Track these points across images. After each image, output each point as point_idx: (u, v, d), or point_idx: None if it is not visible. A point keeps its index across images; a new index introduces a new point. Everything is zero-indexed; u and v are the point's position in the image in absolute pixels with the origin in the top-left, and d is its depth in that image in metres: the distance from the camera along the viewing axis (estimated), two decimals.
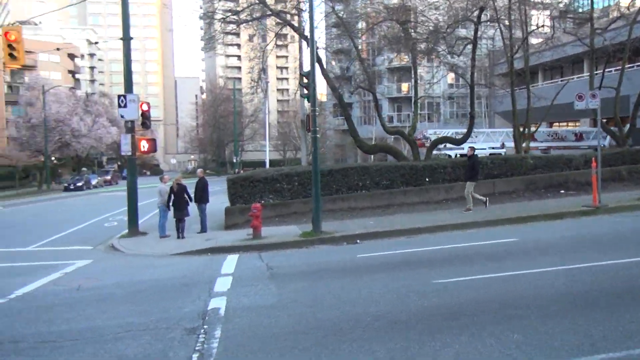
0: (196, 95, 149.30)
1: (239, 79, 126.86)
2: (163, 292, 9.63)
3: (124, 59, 19.50)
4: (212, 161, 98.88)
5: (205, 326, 7.21)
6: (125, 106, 18.72)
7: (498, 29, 23.83)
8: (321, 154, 72.03)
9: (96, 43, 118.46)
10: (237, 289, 9.43)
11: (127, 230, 19.17)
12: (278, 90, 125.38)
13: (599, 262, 9.24)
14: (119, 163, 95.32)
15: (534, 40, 30.16)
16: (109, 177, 66.05)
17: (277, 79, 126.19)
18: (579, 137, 38.95)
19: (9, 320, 8.35)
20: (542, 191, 20.62)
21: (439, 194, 20.19)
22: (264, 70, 23.42)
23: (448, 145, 34.53)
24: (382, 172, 20.15)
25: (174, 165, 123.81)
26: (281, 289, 9.22)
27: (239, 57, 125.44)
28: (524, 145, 24.47)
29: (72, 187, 54.07)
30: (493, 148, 35.92)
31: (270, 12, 20.66)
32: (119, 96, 19.13)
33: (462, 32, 25.46)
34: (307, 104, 16.62)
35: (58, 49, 56.01)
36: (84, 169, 73.23)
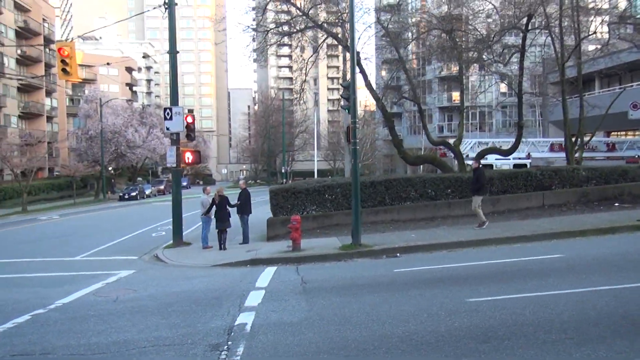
0: (248, 106, 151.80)
1: (291, 89, 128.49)
2: (194, 305, 9.65)
3: (170, 72, 19.94)
4: (263, 171, 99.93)
5: (229, 342, 7.16)
6: (170, 119, 19.07)
7: (549, 36, 23.03)
8: (369, 164, 72.17)
9: (147, 56, 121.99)
10: (267, 303, 9.36)
11: (172, 241, 19.48)
12: (329, 100, 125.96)
13: None
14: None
15: (590, 47, 29.06)
16: (162, 187, 67.56)
17: (328, 89, 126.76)
18: (612, 147, 36.89)
19: (44, 330, 8.53)
20: (595, 204, 19.74)
21: (486, 207, 19.49)
22: (307, 82, 23.39)
23: (471, 154, 33.69)
24: (425, 184, 19.77)
25: (225, 175, 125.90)
26: (311, 304, 9.09)
27: (290, 68, 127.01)
28: (576, 155, 23.56)
29: (126, 196, 55.65)
30: (519, 159, 34.00)
31: (313, 24, 20.76)
32: (165, 109, 19.52)
33: (511, 39, 24.82)
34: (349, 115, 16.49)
35: (108, 64, 57.83)
36: (139, 178, 75.38)
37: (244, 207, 18.41)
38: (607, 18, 23.84)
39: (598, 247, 13.13)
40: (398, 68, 24.09)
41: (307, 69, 22.28)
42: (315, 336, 7.23)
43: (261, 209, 24.04)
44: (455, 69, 45.12)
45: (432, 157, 24.29)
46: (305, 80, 23.00)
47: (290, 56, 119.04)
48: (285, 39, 22.59)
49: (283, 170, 58.72)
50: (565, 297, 8.32)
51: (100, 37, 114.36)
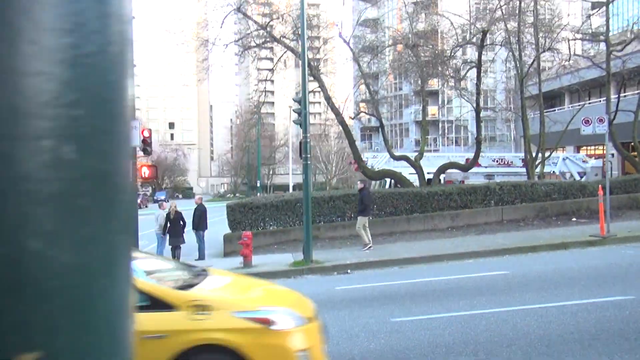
0: (231, 120, 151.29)
1: (272, 103, 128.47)
2: None
3: None
4: (243, 184, 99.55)
5: None
6: None
7: (510, 52, 23.16)
8: (346, 178, 71.90)
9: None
10: None
11: None
12: (311, 113, 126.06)
13: (573, 301, 8.59)
14: (153, 187, 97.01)
15: (554, 62, 29.28)
16: (138, 201, 66.83)
17: (310, 102, 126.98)
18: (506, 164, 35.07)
19: None
20: (553, 219, 19.76)
21: (444, 222, 19.56)
22: (265, 94, 23.37)
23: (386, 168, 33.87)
24: (385, 199, 19.68)
25: (203, 188, 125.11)
26: None
27: (272, 81, 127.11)
28: (537, 170, 23.62)
29: None
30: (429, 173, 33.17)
31: (271, 39, 20.65)
32: None
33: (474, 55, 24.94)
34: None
35: None
36: None
37: (199, 223, 18.15)
38: (568, 34, 24.06)
39: (546, 264, 13.05)
40: (357, 83, 24.02)
41: (265, 80, 22.30)
42: None
43: (225, 225, 23.75)
44: (432, 83, 45.51)
45: (392, 172, 24.20)
46: (264, 91, 22.93)
47: (272, 69, 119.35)
48: (240, 53, 22.47)
49: (258, 184, 58.39)
50: (490, 316, 8.18)
51: None
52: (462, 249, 15.67)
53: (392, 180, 31.73)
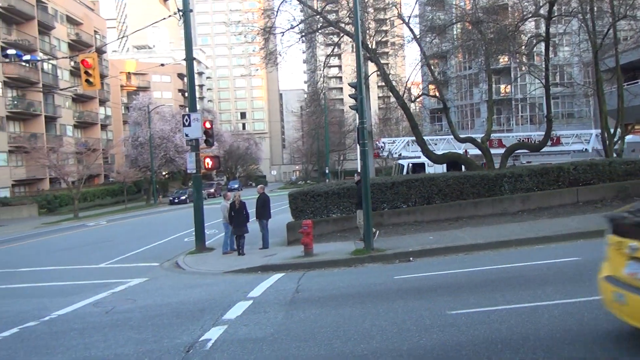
0: (300, 107, 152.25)
1: (340, 88, 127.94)
2: (176, 318, 9.43)
3: (187, 79, 19.92)
4: (314, 171, 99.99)
5: None
6: (189, 125, 19.03)
7: (584, 23, 21.59)
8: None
9: (199, 62, 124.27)
10: (245, 316, 9.02)
11: (195, 247, 19.47)
12: (379, 97, 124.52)
13: None
14: (228, 176, 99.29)
15: (630, 33, 27.12)
16: (212, 190, 68.42)
17: (379, 86, 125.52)
18: (556, 141, 32.47)
19: (19, 346, 8.47)
20: (634, 199, 18.38)
21: (514, 205, 18.64)
22: (324, 79, 23.08)
23: (404, 154, 32.47)
24: (450, 183, 18.96)
25: (274, 176, 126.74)
26: (288, 317, 8.69)
27: (339, 67, 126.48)
28: (616, 147, 22.05)
29: (176, 200, 56.71)
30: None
31: (327, 24, 20.29)
32: (183, 115, 19.53)
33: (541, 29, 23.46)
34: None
35: (162, 64, 58.68)
36: (190, 182, 76.72)
37: (262, 211, 18.18)
38: None
39: None
40: (422, 63, 23.18)
41: (324, 66, 21.99)
42: (272, 354, 6.84)
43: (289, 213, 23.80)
44: (504, 60, 43.70)
45: (457, 155, 23.31)
46: (323, 77, 22.64)
47: (339, 55, 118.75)
48: (298, 41, 22.24)
49: (327, 171, 58.28)
50: (555, 308, 7.59)
51: (154, 46, 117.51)
52: (531, 234, 14.87)
53: (409, 166, 30.99)
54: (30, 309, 11.46)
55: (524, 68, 28.64)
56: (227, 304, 10.05)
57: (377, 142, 35.16)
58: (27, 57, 53.84)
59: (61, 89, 56.91)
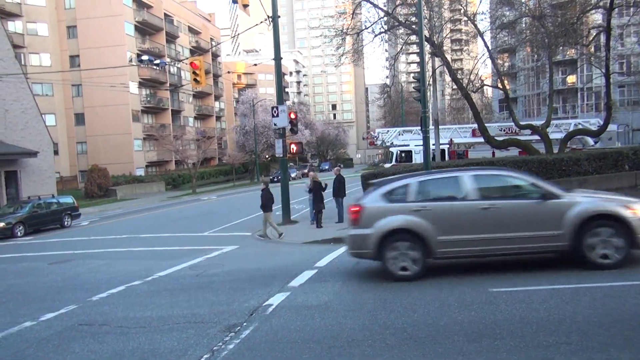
0: (383, 98, 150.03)
1: (419, 81, 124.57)
2: (249, 283, 9.31)
3: (275, 76, 19.79)
4: None
5: (244, 324, 6.68)
6: (277, 116, 18.96)
7: None
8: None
9: (297, 62, 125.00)
10: (308, 284, 8.74)
11: (281, 220, 19.48)
12: (454, 89, 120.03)
13: None
14: (320, 159, 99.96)
15: None
16: (306, 171, 68.93)
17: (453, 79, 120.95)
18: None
19: (122, 302, 8.68)
20: None
21: (572, 187, 17.03)
22: (396, 75, 22.11)
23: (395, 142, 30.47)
24: (508, 166, 17.60)
25: (359, 159, 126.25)
26: (344, 287, 8.32)
27: (418, 63, 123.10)
28: None
29: (275, 179, 57.53)
30: (441, 145, 27.21)
31: (397, 23, 19.36)
32: (272, 107, 19.46)
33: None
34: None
35: (255, 64, 59.39)
36: (290, 163, 77.89)
37: (338, 191, 17.86)
38: None
39: None
40: (484, 56, 21.65)
41: (394, 63, 21.08)
42: (321, 322, 6.49)
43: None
44: (571, 52, 40.38)
45: (517, 141, 21.64)
46: (394, 75, 21.67)
47: (417, 53, 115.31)
48: (372, 40, 21.45)
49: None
50: (597, 291, 6.70)
51: (260, 49, 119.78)
52: None
53: (398, 153, 29.47)
54: (139, 269, 11.84)
55: (590, 59, 26.21)
56: (295, 272, 9.82)
57: (372, 132, 34.45)
58: (157, 61, 56.65)
59: (180, 86, 59.26)
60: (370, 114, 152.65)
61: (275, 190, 18.87)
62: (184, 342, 6.14)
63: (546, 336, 5.25)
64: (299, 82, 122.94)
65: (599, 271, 7.67)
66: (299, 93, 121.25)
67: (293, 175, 63.25)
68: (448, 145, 30.68)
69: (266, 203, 16.55)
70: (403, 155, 31.73)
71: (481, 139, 25.91)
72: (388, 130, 35.24)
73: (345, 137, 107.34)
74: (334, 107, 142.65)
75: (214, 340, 6.12)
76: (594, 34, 19.34)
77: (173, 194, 46.62)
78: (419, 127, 34.67)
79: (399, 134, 33.73)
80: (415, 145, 31.76)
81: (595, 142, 28.84)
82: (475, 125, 30.94)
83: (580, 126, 29.27)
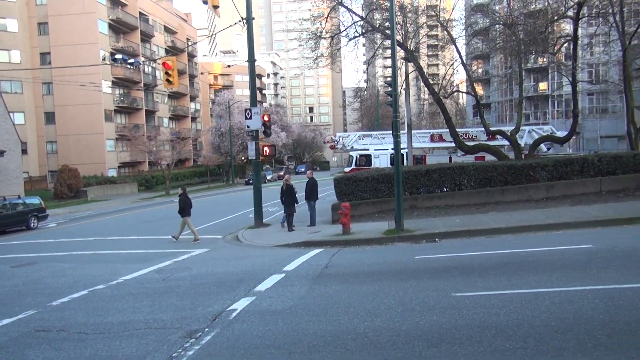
0: (360, 101, 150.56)
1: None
2: (216, 287, 9.21)
3: (249, 78, 19.68)
4: None
5: (206, 329, 6.60)
6: (250, 118, 18.84)
7: (614, 23, 19.68)
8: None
9: (274, 64, 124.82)
10: (274, 288, 8.69)
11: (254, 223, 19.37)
12: (429, 94, 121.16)
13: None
14: (296, 161, 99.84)
15: None
16: (282, 173, 68.82)
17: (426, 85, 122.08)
18: (493, 137, 28.95)
19: (83, 307, 8.49)
20: None
21: (539, 193, 17.40)
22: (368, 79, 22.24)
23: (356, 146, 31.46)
24: (479, 171, 17.90)
25: (336, 161, 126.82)
26: (310, 292, 8.28)
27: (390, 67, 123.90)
28: None
29: (250, 181, 57.30)
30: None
31: (371, 28, 19.46)
32: (246, 109, 19.31)
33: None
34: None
35: (229, 65, 59.11)
36: (266, 166, 77.50)
37: (310, 194, 17.81)
38: None
39: (638, 238, 10.96)
40: (456, 63, 21.95)
41: (368, 67, 21.16)
42: (284, 327, 6.45)
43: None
44: (542, 60, 41.26)
45: (487, 146, 21.98)
46: (368, 79, 21.75)
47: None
48: (346, 44, 21.49)
49: None
50: (556, 296, 6.80)
51: (237, 50, 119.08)
52: (552, 220, 13.76)
53: (357, 157, 30.44)
54: (104, 273, 11.60)
55: (559, 67, 26.82)
56: (263, 276, 9.76)
57: (333, 136, 35.11)
58: (131, 60, 55.74)
59: (153, 87, 58.50)
60: (347, 117, 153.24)
61: (252, 192, 18.86)
62: (143, 349, 6.02)
63: (504, 341, 5.31)
64: (276, 84, 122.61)
65: (560, 276, 7.81)
66: (276, 95, 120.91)
67: (269, 177, 63.01)
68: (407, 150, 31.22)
69: (184, 207, 17.59)
70: (363, 158, 32.26)
71: (439, 144, 26.41)
72: (349, 135, 35.58)
73: (322, 140, 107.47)
74: (311, 109, 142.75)
75: (174, 346, 6.02)
76: (563, 43, 19.79)
77: (146, 196, 45.90)
78: (379, 132, 35.38)
79: (359, 138, 34.19)
80: (375, 150, 32.29)
81: (548, 149, 29.47)
82: (433, 131, 31.71)
83: (534, 133, 29.88)
